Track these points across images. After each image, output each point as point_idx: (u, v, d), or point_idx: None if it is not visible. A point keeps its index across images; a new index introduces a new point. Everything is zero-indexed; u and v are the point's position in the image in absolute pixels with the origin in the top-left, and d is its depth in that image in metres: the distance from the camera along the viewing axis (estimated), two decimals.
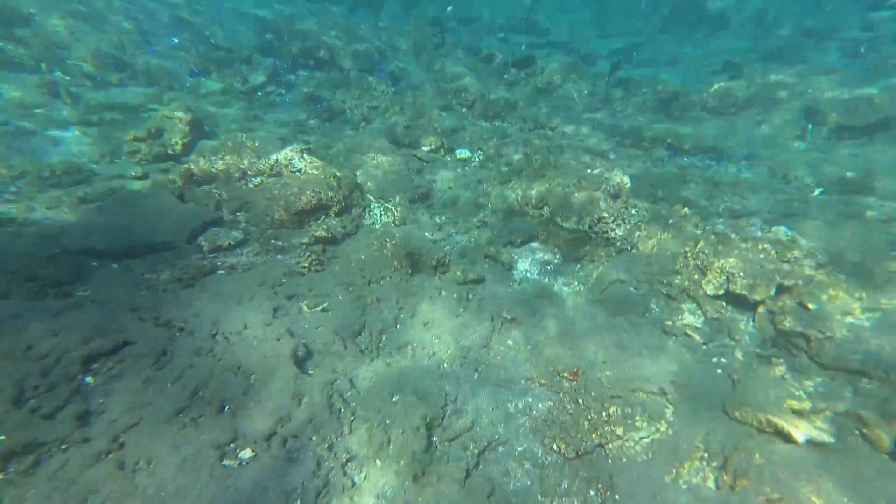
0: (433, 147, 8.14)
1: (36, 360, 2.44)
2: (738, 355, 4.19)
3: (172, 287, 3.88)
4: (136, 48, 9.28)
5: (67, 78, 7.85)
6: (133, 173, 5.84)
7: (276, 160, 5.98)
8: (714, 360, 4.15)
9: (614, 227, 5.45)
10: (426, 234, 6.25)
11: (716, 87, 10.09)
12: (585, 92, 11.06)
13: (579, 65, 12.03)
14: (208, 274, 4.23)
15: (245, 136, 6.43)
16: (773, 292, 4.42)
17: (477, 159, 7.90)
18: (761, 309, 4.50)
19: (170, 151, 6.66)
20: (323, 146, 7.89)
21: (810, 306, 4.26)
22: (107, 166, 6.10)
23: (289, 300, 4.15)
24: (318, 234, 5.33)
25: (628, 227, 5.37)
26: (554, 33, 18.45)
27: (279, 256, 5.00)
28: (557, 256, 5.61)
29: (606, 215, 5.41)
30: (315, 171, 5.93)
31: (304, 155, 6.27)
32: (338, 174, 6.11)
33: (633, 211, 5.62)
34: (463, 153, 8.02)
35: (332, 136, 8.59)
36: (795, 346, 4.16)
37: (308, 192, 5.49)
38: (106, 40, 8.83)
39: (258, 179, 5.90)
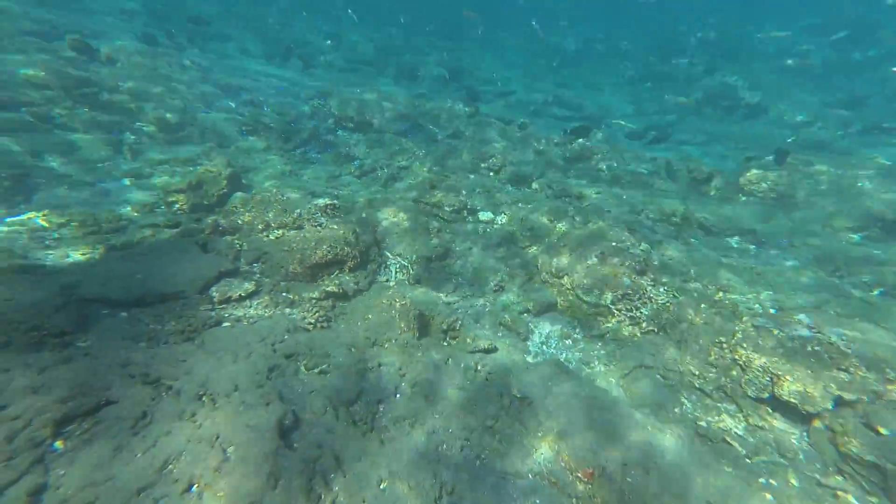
0: (456, 207, 8.20)
1: (7, 421, 2.36)
2: (793, 479, 3.49)
3: (174, 339, 3.84)
4: (196, 109, 10.35)
5: (132, 137, 8.76)
6: (166, 222, 6.16)
7: (300, 213, 6.16)
8: (761, 481, 3.48)
9: (639, 305, 5.05)
10: (440, 295, 6.07)
11: (753, 172, 9.76)
12: (615, 165, 11.06)
13: (613, 138, 12.24)
14: (213, 326, 4.19)
15: (275, 189, 6.73)
16: (830, 406, 3.78)
17: (500, 222, 7.85)
18: (817, 423, 3.83)
19: (205, 202, 7.05)
20: (348, 201, 8.14)
21: (882, 430, 3.56)
22: (147, 215, 6.51)
23: (287, 359, 3.99)
24: (329, 288, 5.28)
25: (655, 306, 4.95)
26: (587, 108, 19.09)
27: (288, 310, 4.93)
28: (577, 331, 5.21)
29: (631, 292, 5.04)
30: (335, 227, 6.04)
31: (328, 210, 6.44)
32: (357, 230, 6.18)
33: (662, 290, 5.22)
34: (486, 215, 8.02)
35: (359, 192, 8.89)
36: (867, 479, 3.43)
37: (324, 247, 5.54)
38: (170, 104, 9.92)
39: (280, 232, 6.05)
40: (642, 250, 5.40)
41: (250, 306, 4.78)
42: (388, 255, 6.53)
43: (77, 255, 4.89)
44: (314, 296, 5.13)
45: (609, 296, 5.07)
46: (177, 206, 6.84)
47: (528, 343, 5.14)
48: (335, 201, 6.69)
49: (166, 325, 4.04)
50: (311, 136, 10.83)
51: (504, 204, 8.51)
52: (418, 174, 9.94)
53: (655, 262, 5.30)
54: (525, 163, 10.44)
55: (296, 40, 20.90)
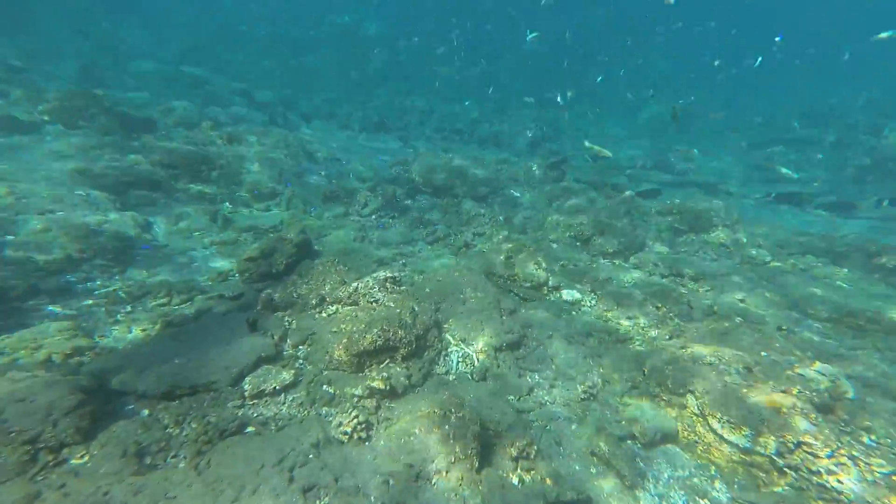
0: (535, 283, 7.06)
1: None
2: None
3: (185, 450, 3.23)
4: (287, 179, 11.17)
5: (229, 206, 9.56)
6: (231, 294, 6.09)
7: (356, 288, 5.61)
8: None
9: (823, 461, 3.21)
10: (510, 397, 4.82)
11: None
12: (745, 240, 8.98)
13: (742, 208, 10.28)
14: (234, 433, 3.53)
15: (336, 260, 6.38)
16: None
17: (589, 304, 6.45)
18: None
19: (273, 270, 7.00)
20: (415, 271, 7.53)
21: None
22: (218, 285, 6.58)
23: (304, 496, 3.09)
24: (375, 384, 4.41)
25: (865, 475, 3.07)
26: (700, 174, 16.97)
27: (325, 409, 4.15)
28: (718, 486, 3.48)
29: (813, 441, 3.23)
30: (391, 304, 5.32)
31: (387, 283, 5.82)
32: (415, 308, 5.38)
33: (870, 442, 3.32)
34: (572, 295, 6.70)
35: (429, 260, 8.30)
36: None
37: (374, 331, 4.78)
38: (266, 174, 10.83)
39: (334, 308, 5.53)
40: (823, 374, 3.60)
41: (283, 402, 4.10)
42: (450, 339, 5.56)
43: (137, 331, 4.84)
44: (357, 392, 4.31)
45: (772, 442, 3.31)
46: (247, 274, 6.87)
47: (640, 494, 3.55)
48: (396, 274, 6.07)
49: (185, 427, 3.49)
50: (388, 201, 10.87)
51: (596, 281, 7.12)
52: (494, 242, 9.12)
53: (848, 395, 3.45)
54: (619, 232, 9.00)
55: (396, 113, 22.85)
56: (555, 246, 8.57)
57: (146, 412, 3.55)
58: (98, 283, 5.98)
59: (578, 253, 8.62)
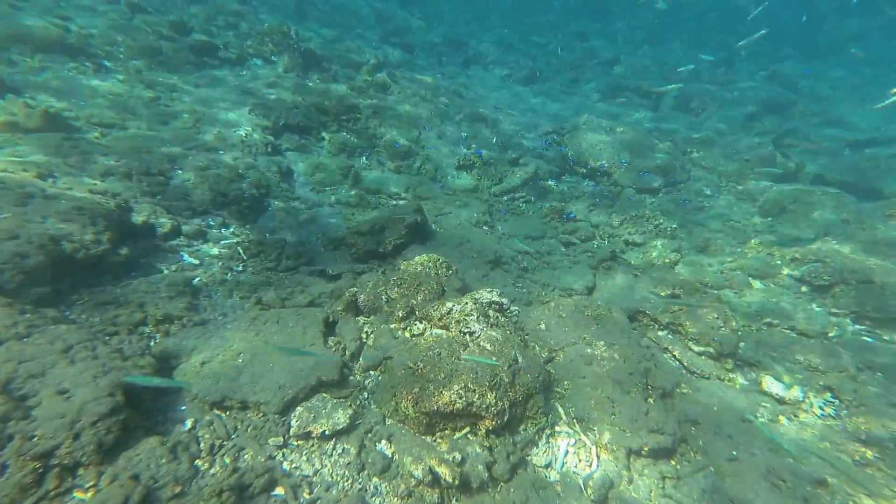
0: (717, 349, 4.74)
1: None
2: None
3: None
4: (428, 140, 10.32)
5: (365, 161, 9.25)
6: (331, 270, 5.62)
7: (451, 310, 4.41)
8: None
9: None
10: None
11: None
12: None
13: None
14: (255, 496, 2.88)
15: (441, 260, 5.24)
16: None
17: (822, 411, 3.95)
18: None
19: (380, 250, 6.33)
20: (533, 292, 5.94)
21: None
22: (328, 253, 6.24)
23: None
24: (439, 468, 3.28)
25: None
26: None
27: (374, 481, 3.25)
28: None
29: None
30: (488, 345, 3.99)
31: (490, 311, 4.46)
32: (519, 360, 3.94)
33: None
34: (780, 388, 4.22)
35: (558, 275, 6.52)
36: None
37: (455, 388, 3.56)
38: (406, 130, 10.13)
39: (420, 327, 4.48)
40: None
41: (329, 454, 3.33)
42: (561, 413, 4.01)
43: (237, 298, 4.69)
44: (416, 472, 3.26)
45: None
46: (354, 249, 6.36)
47: None
48: (504, 300, 4.62)
49: (215, 462, 2.99)
50: (526, 181, 9.12)
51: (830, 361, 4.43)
52: (655, 261, 6.69)
53: None
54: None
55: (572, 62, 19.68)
56: (759, 286, 5.75)
57: (189, 424, 3.18)
58: (231, 229, 6.21)
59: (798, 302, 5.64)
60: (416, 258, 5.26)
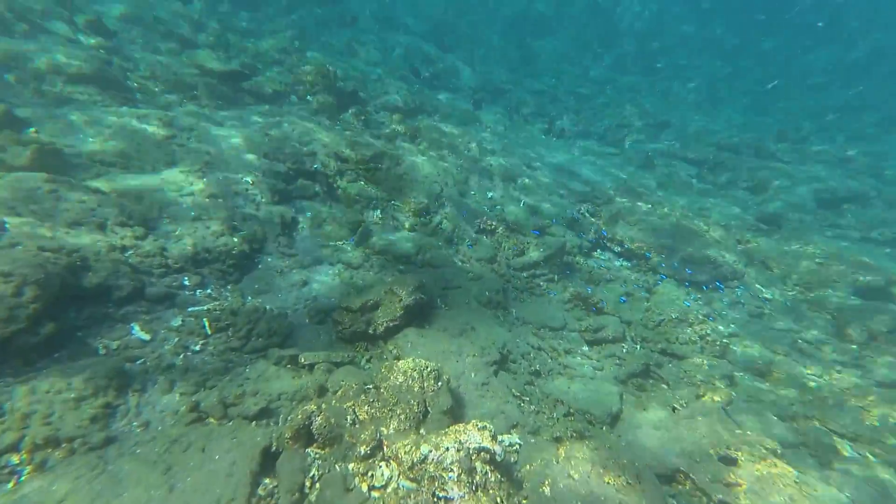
0: None
1: None
2: None
3: None
4: (450, 197, 9.64)
5: (379, 215, 8.62)
6: (305, 360, 4.80)
7: (425, 458, 3.42)
8: None
9: None
10: None
11: None
12: None
13: None
14: None
15: (430, 368, 4.30)
16: None
17: None
18: None
19: (370, 331, 5.49)
20: (541, 411, 4.85)
21: None
22: (310, 330, 5.47)
23: None
24: None
25: None
26: None
27: None
28: None
29: None
30: None
31: (477, 464, 3.43)
32: None
33: None
34: None
35: (577, 389, 5.38)
36: None
37: None
38: (427, 184, 9.51)
39: (385, 473, 3.50)
40: None
41: None
42: None
43: (177, 396, 3.93)
44: None
45: None
46: (340, 327, 5.56)
47: None
48: (498, 449, 3.57)
49: None
50: (550, 257, 8.13)
51: None
52: (701, 391, 5.42)
53: None
54: None
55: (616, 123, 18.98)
56: (851, 454, 4.38)
57: None
58: (209, 291, 5.59)
59: None
60: (401, 364, 4.36)
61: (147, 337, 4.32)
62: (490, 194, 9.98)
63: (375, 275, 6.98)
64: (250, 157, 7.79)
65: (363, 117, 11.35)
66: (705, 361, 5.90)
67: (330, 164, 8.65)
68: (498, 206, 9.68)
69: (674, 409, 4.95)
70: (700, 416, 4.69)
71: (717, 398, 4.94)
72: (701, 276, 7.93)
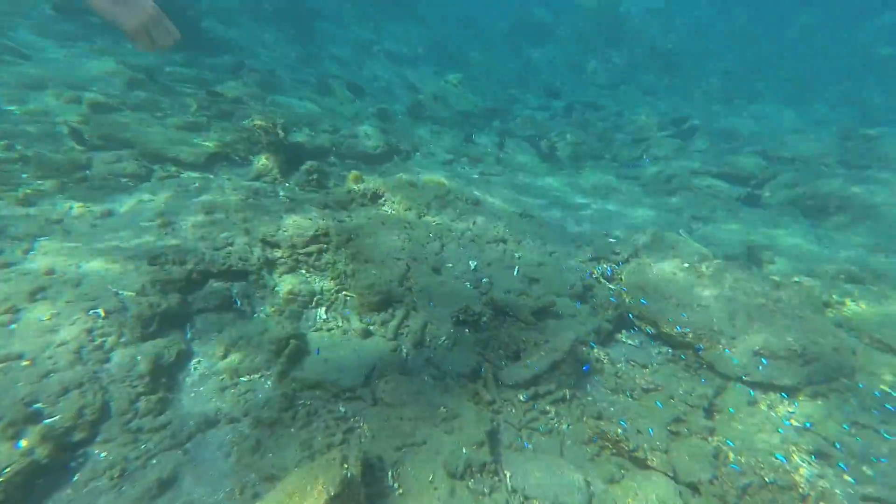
0: None
1: None
2: None
3: None
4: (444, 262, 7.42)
5: (322, 318, 6.47)
6: None
7: None
8: None
9: None
10: None
11: None
12: None
13: None
14: None
15: None
16: None
17: None
18: None
19: None
20: None
21: None
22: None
23: None
24: None
25: None
26: None
27: None
28: None
29: None
30: None
31: None
32: None
33: None
34: None
35: None
36: None
37: None
38: (387, 270, 7.33)
39: None
40: None
41: None
42: None
43: None
44: None
45: None
46: None
47: None
48: None
49: None
50: (556, 363, 5.68)
51: None
52: None
53: None
54: None
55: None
56: None
57: None
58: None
59: None
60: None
61: None
62: (473, 263, 7.67)
63: (301, 428, 4.75)
64: (117, 266, 5.67)
65: (315, 176, 9.33)
66: None
67: (252, 256, 6.59)
68: (485, 280, 7.36)
69: None
70: None
71: None
72: (785, 379, 5.33)
